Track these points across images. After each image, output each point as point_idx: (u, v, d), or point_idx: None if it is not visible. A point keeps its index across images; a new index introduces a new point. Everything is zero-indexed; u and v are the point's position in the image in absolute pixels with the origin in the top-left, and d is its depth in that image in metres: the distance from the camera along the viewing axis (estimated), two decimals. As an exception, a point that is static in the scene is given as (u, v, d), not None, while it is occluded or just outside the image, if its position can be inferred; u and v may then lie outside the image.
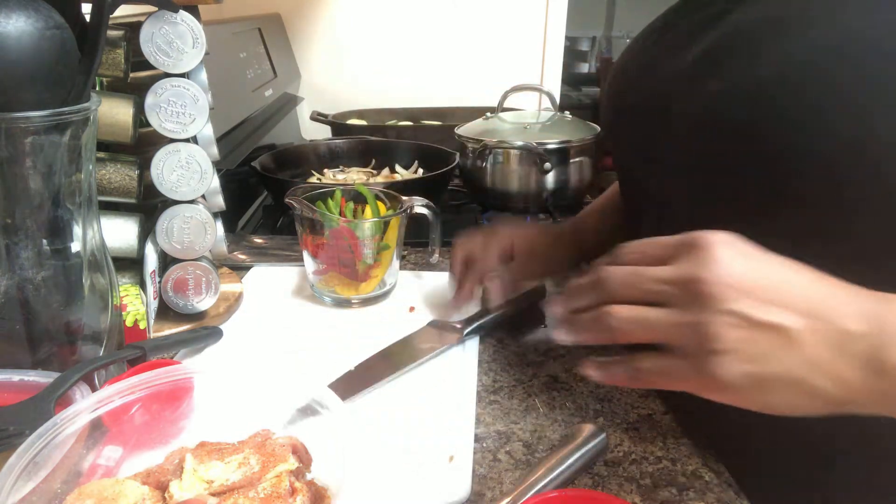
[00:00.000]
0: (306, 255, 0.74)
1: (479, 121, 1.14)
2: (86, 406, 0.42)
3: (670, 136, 0.53)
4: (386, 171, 1.22)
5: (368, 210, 0.75)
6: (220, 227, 0.70)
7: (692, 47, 0.53)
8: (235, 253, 0.87)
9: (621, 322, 0.40)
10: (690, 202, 0.53)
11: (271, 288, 0.79)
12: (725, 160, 0.48)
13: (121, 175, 0.65)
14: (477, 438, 0.52)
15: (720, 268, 0.37)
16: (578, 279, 0.44)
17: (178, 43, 0.61)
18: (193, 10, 0.62)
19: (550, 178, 1.03)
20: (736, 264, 0.38)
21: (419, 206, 0.76)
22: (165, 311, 0.69)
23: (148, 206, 0.68)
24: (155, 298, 0.66)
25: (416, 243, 0.93)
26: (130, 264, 0.68)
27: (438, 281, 0.81)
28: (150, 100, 0.62)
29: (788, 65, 0.44)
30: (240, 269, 0.83)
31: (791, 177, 0.44)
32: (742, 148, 0.46)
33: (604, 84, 3.60)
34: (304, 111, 1.66)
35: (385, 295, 0.76)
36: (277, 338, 0.68)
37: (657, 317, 0.39)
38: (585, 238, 0.78)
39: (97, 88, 0.68)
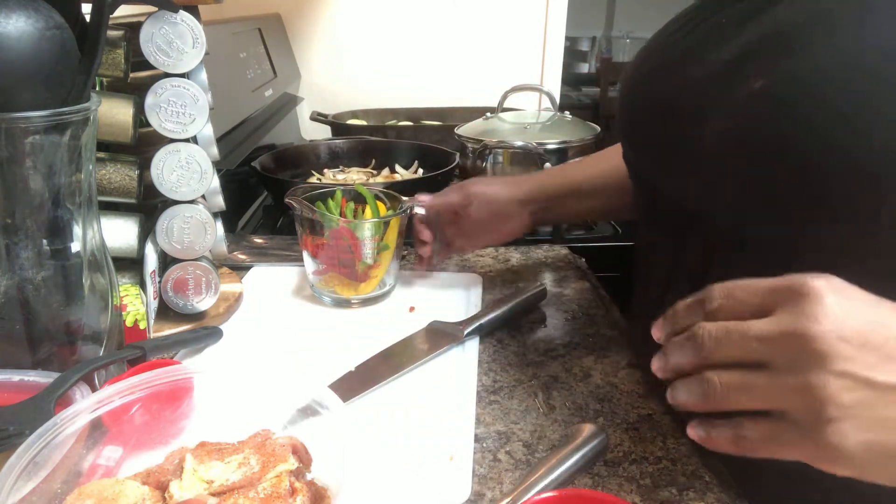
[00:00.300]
0: (306, 256, 0.74)
1: (479, 121, 1.14)
2: (86, 406, 0.42)
3: (703, 138, 0.50)
4: (386, 171, 1.22)
5: (368, 210, 0.75)
6: (220, 227, 0.70)
7: (724, 46, 0.50)
8: (235, 253, 0.87)
9: (722, 390, 0.36)
10: (723, 210, 0.50)
11: (271, 288, 0.79)
12: (766, 164, 0.45)
13: (121, 175, 0.65)
14: (477, 438, 0.52)
15: (831, 321, 0.33)
16: (673, 332, 0.40)
17: (178, 43, 0.61)
18: (193, 10, 0.62)
19: (550, 178, 1.03)
20: (849, 316, 0.33)
21: (419, 206, 0.76)
22: (165, 311, 0.69)
23: (148, 206, 0.68)
24: (155, 298, 0.66)
25: (416, 243, 0.92)
26: (130, 264, 0.68)
27: (438, 281, 0.81)
28: (150, 100, 0.62)
29: (839, 61, 0.42)
30: (240, 269, 0.83)
31: (834, 179, 0.42)
32: (785, 150, 0.44)
33: (604, 82, 3.60)
34: (304, 111, 1.66)
35: (385, 295, 0.76)
36: (277, 338, 0.68)
37: (761, 382, 0.35)
38: (558, 212, 0.80)
39: (97, 88, 0.68)
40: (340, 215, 0.74)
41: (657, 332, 0.41)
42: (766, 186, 0.46)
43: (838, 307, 0.34)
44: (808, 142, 0.43)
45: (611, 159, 0.79)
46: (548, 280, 0.83)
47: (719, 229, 0.51)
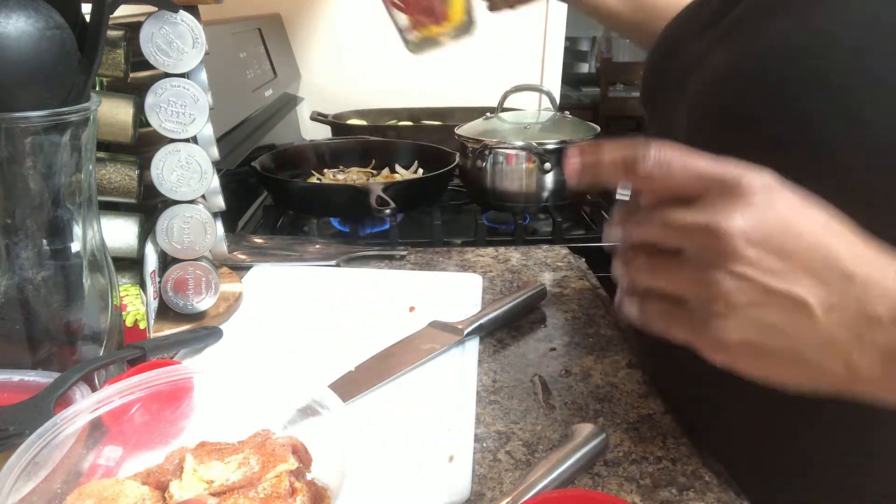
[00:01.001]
0: (397, 17, 0.83)
1: (479, 121, 1.14)
2: (86, 406, 0.42)
3: (682, 112, 0.53)
4: (386, 171, 1.22)
5: None
6: (220, 227, 0.70)
7: (711, 29, 0.54)
8: (235, 253, 0.87)
9: (634, 269, 0.38)
10: None
11: (271, 288, 0.79)
12: (725, 134, 0.48)
13: (121, 175, 0.65)
14: (477, 438, 0.52)
15: (745, 222, 0.34)
16: (591, 179, 0.40)
17: (178, 43, 0.61)
18: (193, 10, 0.62)
19: (550, 178, 1.03)
20: (768, 220, 0.34)
21: None
22: (165, 311, 0.69)
23: (148, 206, 0.68)
24: (155, 298, 0.66)
25: (417, 243, 0.93)
26: (130, 264, 0.68)
27: (438, 281, 0.81)
28: (150, 100, 0.62)
29: (788, 42, 0.44)
30: (240, 269, 0.83)
31: (786, 153, 0.43)
32: (738, 122, 0.46)
33: (604, 82, 3.60)
34: (304, 111, 1.66)
35: (472, 31, 0.81)
36: (277, 338, 0.68)
37: (668, 267, 0.37)
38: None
39: (97, 88, 0.68)
40: None
41: (569, 169, 0.39)
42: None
43: (760, 209, 0.34)
44: (768, 119, 0.45)
45: None
46: (548, 280, 0.83)
47: None
